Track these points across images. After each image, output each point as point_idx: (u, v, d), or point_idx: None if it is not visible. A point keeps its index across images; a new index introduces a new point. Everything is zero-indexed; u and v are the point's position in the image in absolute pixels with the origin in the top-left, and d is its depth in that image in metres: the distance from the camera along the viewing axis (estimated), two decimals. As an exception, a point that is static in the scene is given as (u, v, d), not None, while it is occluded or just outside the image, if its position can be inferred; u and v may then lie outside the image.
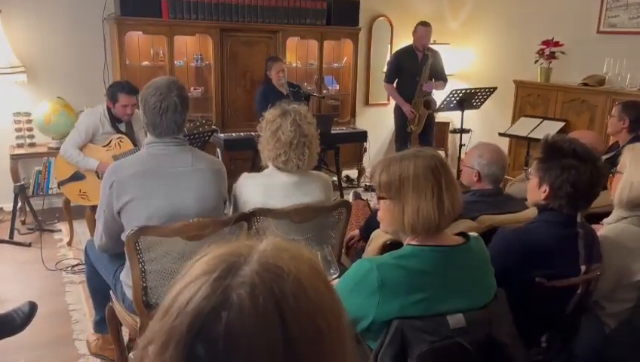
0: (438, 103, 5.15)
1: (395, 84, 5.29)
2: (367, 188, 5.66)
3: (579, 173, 1.66)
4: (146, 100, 2.06)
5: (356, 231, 2.74)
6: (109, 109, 3.59)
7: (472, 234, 1.55)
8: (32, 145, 4.48)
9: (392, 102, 5.54)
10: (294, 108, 2.20)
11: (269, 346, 0.60)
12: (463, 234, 1.53)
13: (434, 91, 5.27)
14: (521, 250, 1.72)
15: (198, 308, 0.61)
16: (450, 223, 1.49)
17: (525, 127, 4.85)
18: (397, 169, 1.45)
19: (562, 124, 4.72)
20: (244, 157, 4.78)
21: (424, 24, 5.12)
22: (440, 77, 5.28)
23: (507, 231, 1.79)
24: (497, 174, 2.44)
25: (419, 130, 5.27)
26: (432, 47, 5.26)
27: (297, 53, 5.68)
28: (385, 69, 5.67)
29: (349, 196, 4.14)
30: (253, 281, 0.62)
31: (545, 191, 1.73)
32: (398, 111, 5.33)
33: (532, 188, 1.82)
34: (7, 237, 4.00)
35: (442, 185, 1.42)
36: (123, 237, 2.04)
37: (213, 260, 0.66)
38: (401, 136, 5.35)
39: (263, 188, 2.22)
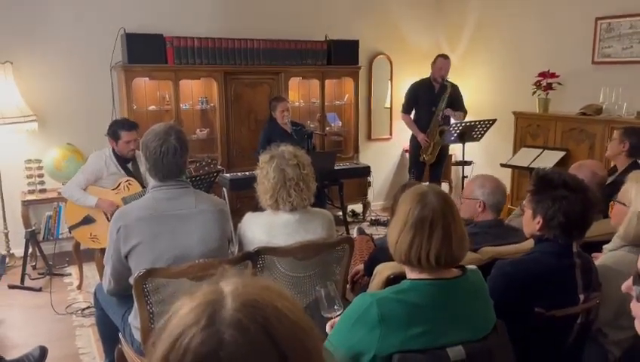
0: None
1: (412, 115, 5.43)
2: (373, 223, 5.70)
3: (570, 202, 1.70)
4: (146, 146, 2.15)
5: (361, 266, 2.77)
6: (113, 150, 3.69)
7: (470, 266, 1.59)
8: (42, 190, 4.58)
9: (408, 134, 5.61)
10: (280, 153, 2.28)
11: None
12: (460, 266, 1.57)
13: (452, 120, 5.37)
14: (518, 281, 1.75)
15: (197, 353, 0.66)
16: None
17: (526, 157, 4.90)
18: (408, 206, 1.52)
19: (563, 153, 4.75)
20: (250, 195, 4.82)
21: (444, 56, 5.33)
22: (460, 108, 5.41)
23: (505, 263, 1.82)
24: (501, 202, 2.55)
25: (432, 160, 5.37)
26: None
27: (300, 92, 5.81)
28: (387, 103, 5.77)
29: (354, 231, 4.18)
30: (237, 318, 0.68)
31: (539, 222, 1.77)
32: (414, 142, 5.45)
33: (527, 220, 1.86)
34: (18, 283, 4.06)
35: (424, 236, 1.47)
36: (131, 280, 2.09)
37: (191, 313, 0.69)
38: (416, 166, 5.47)
39: (266, 227, 2.28)
